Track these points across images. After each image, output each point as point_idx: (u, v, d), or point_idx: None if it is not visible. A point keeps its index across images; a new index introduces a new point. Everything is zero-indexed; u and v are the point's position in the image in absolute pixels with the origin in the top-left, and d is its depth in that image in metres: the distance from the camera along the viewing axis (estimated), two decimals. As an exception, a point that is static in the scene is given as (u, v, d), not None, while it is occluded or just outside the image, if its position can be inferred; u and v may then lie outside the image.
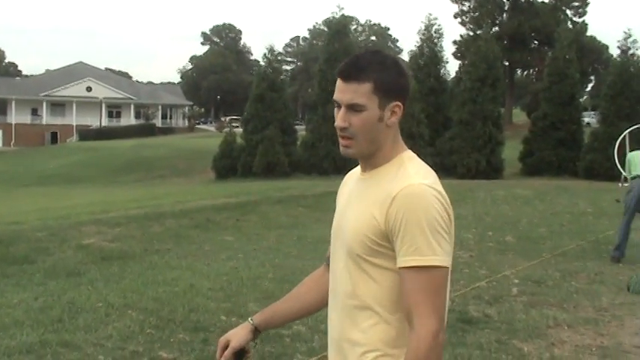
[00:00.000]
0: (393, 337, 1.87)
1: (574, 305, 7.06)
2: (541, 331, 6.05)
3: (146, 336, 5.76)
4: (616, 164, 24.18)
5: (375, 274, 1.87)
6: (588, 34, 60.67)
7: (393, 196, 1.82)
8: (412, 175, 1.86)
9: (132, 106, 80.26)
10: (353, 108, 1.87)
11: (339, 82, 1.90)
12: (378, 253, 1.86)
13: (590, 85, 70.03)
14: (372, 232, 1.85)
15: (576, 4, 59.78)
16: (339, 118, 1.89)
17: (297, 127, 38.94)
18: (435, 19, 36.20)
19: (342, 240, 1.95)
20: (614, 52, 41.89)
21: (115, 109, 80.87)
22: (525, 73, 70.35)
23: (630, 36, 31.72)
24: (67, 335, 5.72)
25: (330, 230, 2.09)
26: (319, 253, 9.88)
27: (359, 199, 1.94)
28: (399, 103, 1.91)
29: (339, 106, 1.90)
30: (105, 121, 77.33)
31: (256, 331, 2.23)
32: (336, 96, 1.90)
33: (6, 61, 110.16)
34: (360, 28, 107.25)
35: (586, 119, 38.80)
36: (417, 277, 1.78)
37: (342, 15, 36.80)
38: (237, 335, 2.21)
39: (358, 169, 2.09)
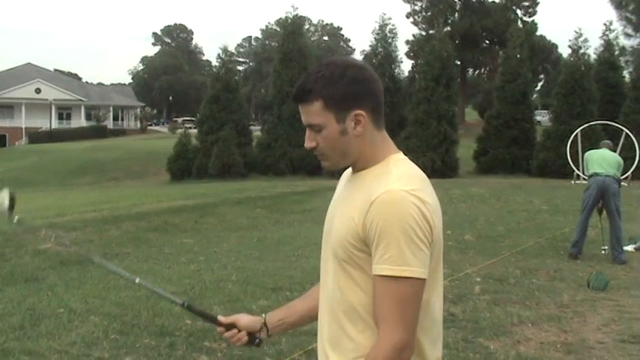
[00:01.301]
0: None
1: (536, 302, 7.16)
2: (506, 329, 6.13)
3: (111, 342, 5.67)
4: (569, 162, 24.79)
5: (360, 279, 1.84)
6: (538, 33, 61.68)
7: (372, 201, 1.78)
8: (393, 181, 1.79)
9: (82, 108, 78.96)
10: (312, 128, 1.88)
11: (297, 106, 1.91)
12: (360, 258, 1.82)
13: (539, 84, 71.23)
14: (353, 236, 1.82)
15: (526, 3, 60.76)
16: (307, 139, 1.91)
17: (251, 127, 38.78)
18: (389, 18, 36.38)
19: (328, 243, 1.93)
20: (564, 51, 42.77)
21: (65, 111, 79.46)
22: (477, 72, 71.23)
23: (581, 35, 32.30)
24: (29, 343, 5.61)
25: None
26: (281, 255, 9.87)
27: (345, 202, 1.92)
28: (361, 112, 1.85)
29: (306, 129, 1.91)
30: (55, 123, 75.95)
31: (264, 327, 2.22)
32: (302, 118, 1.91)
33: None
34: (312, 28, 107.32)
35: (537, 118, 39.43)
36: (386, 287, 1.75)
37: (297, 15, 36.75)
38: (245, 319, 2.23)
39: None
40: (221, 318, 2.23)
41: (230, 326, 2.23)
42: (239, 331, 2.23)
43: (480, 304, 7.03)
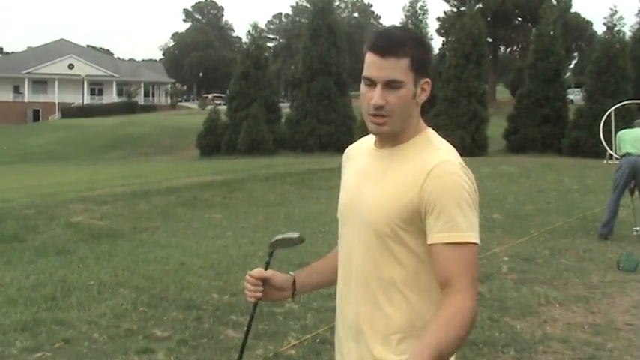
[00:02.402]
0: (416, 319, 1.85)
1: (564, 283, 7.10)
2: (533, 309, 6.09)
3: (139, 314, 5.75)
4: (601, 141, 24.45)
5: (401, 253, 1.84)
6: (572, 10, 60.67)
7: (428, 171, 1.79)
8: (444, 152, 1.84)
9: (114, 84, 79.57)
10: (391, 85, 1.81)
11: (373, 58, 1.83)
12: (405, 231, 1.82)
13: (573, 62, 70.18)
14: (402, 209, 1.81)
15: (560, -20, 59.69)
16: (378, 96, 1.81)
17: (280, 104, 38.79)
18: (421, -5, 36.05)
19: (362, 219, 1.89)
20: (598, 28, 42.05)
21: (97, 87, 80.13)
22: (509, 50, 70.36)
23: (616, 12, 31.71)
24: (60, 313, 5.72)
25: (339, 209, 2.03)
26: (307, 231, 9.88)
27: (381, 176, 1.89)
28: (429, 80, 1.88)
29: (372, 84, 1.84)
30: (87, 99, 76.67)
31: (293, 285, 2.17)
32: (371, 73, 1.83)
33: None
34: (343, 5, 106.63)
35: (570, 96, 38.88)
36: (455, 253, 1.76)
37: (327, -9, 36.50)
38: (279, 277, 2.15)
39: (365, 142, 2.05)
40: (258, 271, 2.15)
41: (262, 280, 2.14)
42: (264, 287, 2.15)
43: (507, 283, 6.99)
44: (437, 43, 62.53)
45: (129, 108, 70.80)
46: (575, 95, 45.68)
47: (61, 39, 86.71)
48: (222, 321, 5.60)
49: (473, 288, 1.76)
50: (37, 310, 5.73)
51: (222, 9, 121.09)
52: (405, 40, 1.83)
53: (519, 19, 62.19)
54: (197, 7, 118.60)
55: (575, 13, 63.01)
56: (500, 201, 13.52)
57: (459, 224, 1.76)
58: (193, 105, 78.81)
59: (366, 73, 1.84)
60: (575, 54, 67.92)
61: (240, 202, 13.45)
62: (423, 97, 1.88)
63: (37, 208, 11.37)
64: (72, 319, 5.56)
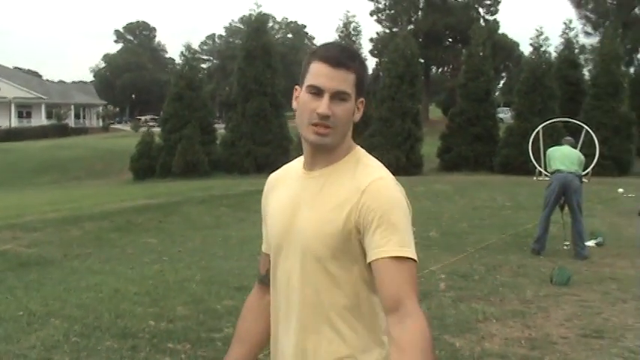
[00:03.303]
0: (360, 344, 1.82)
1: (500, 298, 7.20)
2: (471, 326, 6.15)
3: (72, 345, 5.56)
4: (531, 159, 25.00)
5: (341, 278, 1.81)
6: (500, 31, 62.28)
7: (363, 189, 1.77)
8: (377, 169, 1.83)
9: (43, 106, 77.67)
10: (339, 96, 1.80)
11: (323, 67, 1.80)
12: (344, 253, 1.79)
13: (502, 82, 71.91)
14: (339, 231, 1.78)
15: (488, 2, 61.35)
16: (325, 105, 1.78)
17: (216, 126, 38.52)
18: (354, 16, 36.44)
19: (299, 245, 1.85)
20: (525, 49, 43.22)
21: (25, 109, 78.08)
22: (440, 70, 71.68)
23: (542, 33, 32.65)
24: (-14, 347, 5.47)
25: (267, 238, 2.00)
26: (245, 254, 9.80)
27: (314, 199, 1.85)
28: (364, 100, 1.88)
29: (318, 94, 1.80)
30: (15, 122, 74.64)
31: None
32: (319, 82, 1.80)
33: None
34: (276, 26, 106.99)
35: (499, 115, 39.79)
36: (400, 268, 1.72)
37: (260, 12, 36.59)
38: None
39: (289, 168, 2.02)
40: None
41: None
42: None
43: (445, 300, 7.05)
44: (370, 63, 63.20)
45: (59, 131, 69.19)
46: (504, 114, 46.78)
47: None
48: (159, 349, 5.46)
49: (419, 305, 1.73)
50: (-38, 344, 5.48)
51: (155, 30, 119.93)
52: (354, 56, 1.85)
53: (450, 40, 63.54)
54: (128, 28, 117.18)
55: (503, 34, 64.68)
56: (435, 219, 13.68)
57: (402, 239, 1.74)
58: (126, 127, 77.57)
59: (313, 81, 1.81)
60: (504, 74, 69.63)
61: (176, 225, 13.25)
62: (357, 115, 1.87)
63: (-37, 237, 10.97)
64: (-1, 352, 5.34)
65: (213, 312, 6.52)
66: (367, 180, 1.79)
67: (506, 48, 63.55)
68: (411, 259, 1.74)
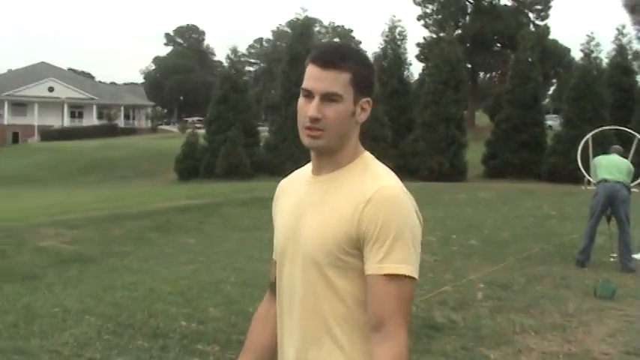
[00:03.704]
0: (361, 356, 1.76)
1: (540, 311, 6.99)
2: (507, 338, 5.97)
3: (104, 342, 5.56)
4: (579, 167, 24.53)
5: (341, 287, 1.75)
6: (550, 37, 61.41)
7: (368, 198, 1.71)
8: (384, 178, 1.76)
9: (94, 107, 79.18)
10: (329, 98, 1.74)
11: (314, 69, 1.76)
12: (345, 263, 1.73)
13: (552, 88, 70.88)
14: (341, 239, 1.72)
15: (538, 7, 60.52)
16: (314, 108, 1.74)
17: (260, 128, 38.72)
18: (399, 21, 36.29)
19: (302, 251, 1.80)
20: (576, 55, 42.56)
21: (77, 110, 79.72)
22: (488, 75, 70.96)
23: (593, 39, 32.08)
24: (21, 342, 5.51)
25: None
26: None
27: (319, 205, 1.80)
28: (370, 100, 1.81)
29: (309, 96, 1.76)
30: (67, 122, 76.21)
31: None
32: (309, 84, 1.75)
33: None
34: (323, 30, 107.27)
35: (549, 122, 39.17)
36: (389, 286, 1.68)
37: (306, 16, 36.69)
38: None
39: (299, 173, 1.96)
40: None
41: None
42: None
43: (482, 311, 6.87)
44: (417, 68, 62.95)
45: (109, 131, 70.47)
46: (553, 121, 46.07)
47: (42, 62, 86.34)
48: (189, 350, 5.43)
49: (404, 329, 1.69)
50: (-3, 339, 5.52)
51: (204, 33, 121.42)
52: (348, 55, 1.77)
53: (498, 45, 62.83)
54: (178, 32, 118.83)
55: (554, 39, 63.76)
56: (477, 227, 13.45)
57: (401, 254, 1.68)
58: (174, 128, 78.58)
59: (304, 84, 1.77)
60: (554, 80, 68.64)
61: (215, 226, 13.28)
62: (362, 116, 1.80)
63: (6, 232, 11.13)
64: (33, 348, 5.35)
65: (245, 314, 6.45)
66: (373, 188, 1.72)
67: (556, 54, 62.70)
68: (405, 276, 1.69)
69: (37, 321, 6.11)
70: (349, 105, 1.76)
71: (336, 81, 1.74)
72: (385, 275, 1.68)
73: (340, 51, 1.78)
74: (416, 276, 1.71)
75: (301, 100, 1.78)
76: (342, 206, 1.74)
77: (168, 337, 5.74)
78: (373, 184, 1.73)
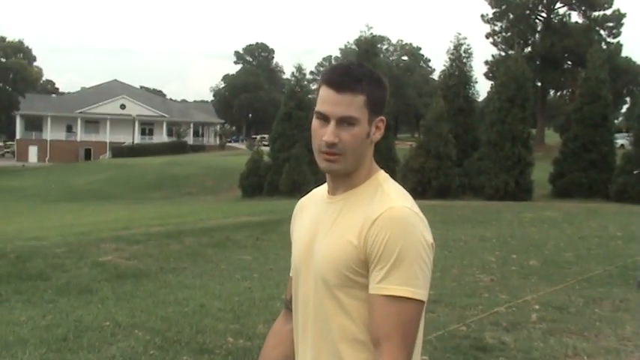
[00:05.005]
0: None
1: (596, 334, 6.77)
2: (559, 361, 5.79)
3: (149, 357, 5.63)
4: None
5: (350, 306, 1.74)
6: (623, 54, 59.93)
7: (374, 218, 1.69)
8: (393, 198, 1.74)
9: (164, 124, 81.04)
10: (345, 122, 1.73)
11: (328, 92, 1.74)
12: (354, 282, 1.72)
13: (625, 107, 69.03)
14: (350, 259, 1.71)
15: (610, 24, 59.22)
16: (331, 133, 1.73)
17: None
18: (465, 38, 36.03)
19: (314, 270, 1.80)
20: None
21: (147, 127, 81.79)
22: (559, 93, 69.64)
23: (666, 57, 31.17)
24: (69, 355, 5.62)
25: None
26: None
27: (331, 225, 1.80)
28: (384, 118, 1.80)
29: (325, 120, 1.75)
30: (137, 139, 78.18)
31: None
32: (325, 108, 1.74)
33: (43, 78, 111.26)
34: (391, 48, 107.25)
35: (620, 141, 38.12)
36: (388, 308, 1.66)
37: (371, 34, 36.72)
38: None
39: (317, 192, 1.98)
40: None
41: None
42: None
43: (535, 333, 6.69)
44: (484, 86, 62.25)
45: (178, 148, 71.95)
46: (625, 140, 44.80)
47: (114, 80, 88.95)
48: (232, 367, 5.45)
49: (403, 351, 1.65)
50: (46, 352, 5.64)
51: (273, 51, 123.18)
52: (362, 76, 1.75)
53: (569, 62, 61.65)
54: (248, 50, 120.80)
55: (626, 57, 62.21)
56: (539, 247, 13.15)
57: (405, 276, 1.65)
58: (242, 146, 79.67)
59: (319, 107, 1.75)
60: (628, 98, 66.87)
61: (272, 243, 13.33)
62: (377, 135, 1.79)
63: (68, 247, 11.42)
64: (79, 361, 5.46)
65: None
66: (381, 209, 1.71)
67: (629, 71, 61.09)
68: (407, 298, 1.66)
69: (87, 334, 6.22)
70: (365, 127, 1.75)
71: (352, 104, 1.73)
72: (385, 296, 1.66)
73: (354, 73, 1.76)
74: (421, 298, 1.67)
75: (315, 123, 1.77)
76: (352, 227, 1.74)
77: (214, 353, 5.78)
78: (382, 205, 1.72)
